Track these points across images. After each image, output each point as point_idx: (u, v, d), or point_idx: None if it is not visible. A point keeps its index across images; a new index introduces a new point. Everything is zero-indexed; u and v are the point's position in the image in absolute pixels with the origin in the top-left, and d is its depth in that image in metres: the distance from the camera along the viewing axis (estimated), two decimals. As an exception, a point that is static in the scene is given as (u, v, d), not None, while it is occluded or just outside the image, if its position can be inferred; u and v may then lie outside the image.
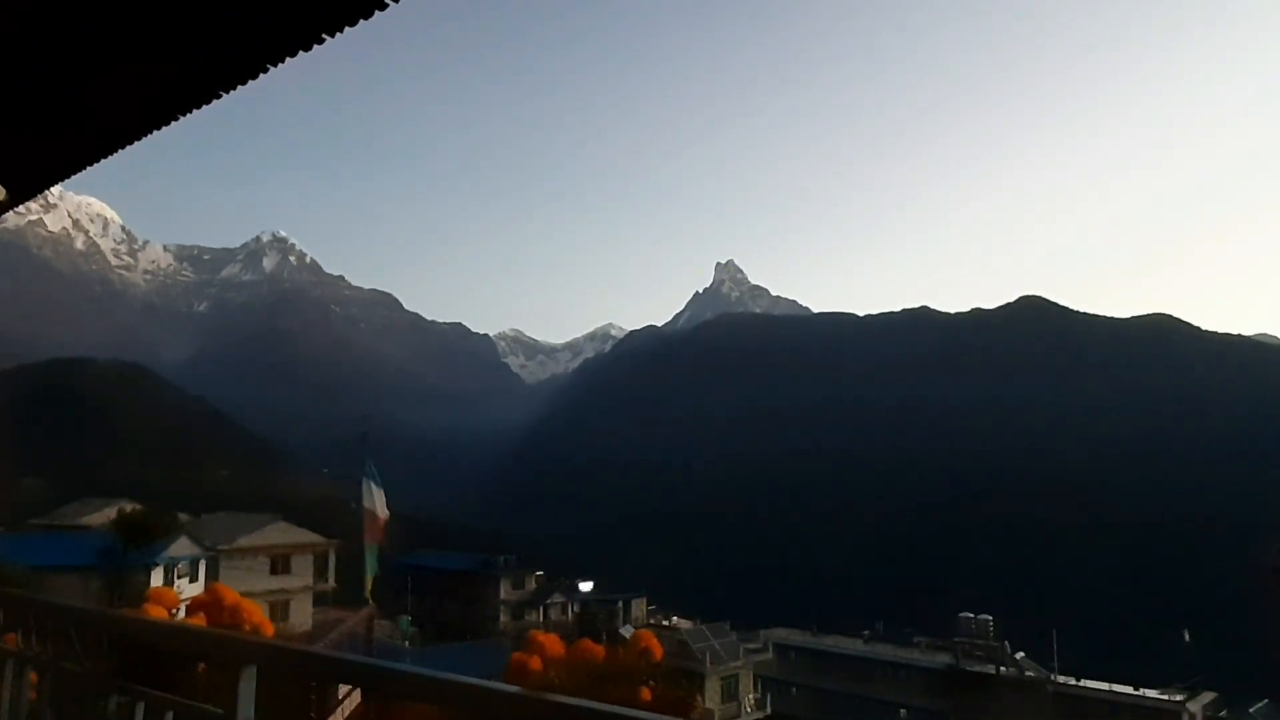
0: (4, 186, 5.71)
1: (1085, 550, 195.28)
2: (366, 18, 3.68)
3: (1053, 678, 63.29)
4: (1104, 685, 61.74)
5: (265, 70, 4.11)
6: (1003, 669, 64.78)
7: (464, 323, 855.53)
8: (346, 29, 3.80)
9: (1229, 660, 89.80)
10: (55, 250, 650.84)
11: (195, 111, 4.58)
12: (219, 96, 4.38)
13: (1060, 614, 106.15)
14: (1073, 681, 62.80)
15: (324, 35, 3.78)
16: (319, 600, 58.54)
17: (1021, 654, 66.73)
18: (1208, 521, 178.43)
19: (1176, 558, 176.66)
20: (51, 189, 7.06)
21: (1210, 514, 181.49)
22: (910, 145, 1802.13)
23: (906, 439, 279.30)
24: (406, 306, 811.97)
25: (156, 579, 43.74)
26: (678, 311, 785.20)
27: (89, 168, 5.46)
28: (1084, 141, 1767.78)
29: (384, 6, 3.56)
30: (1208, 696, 60.91)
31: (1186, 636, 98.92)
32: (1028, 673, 64.63)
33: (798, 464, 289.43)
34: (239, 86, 4.27)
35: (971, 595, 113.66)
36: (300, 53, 3.95)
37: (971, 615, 71.58)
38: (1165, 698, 59.12)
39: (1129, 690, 60.08)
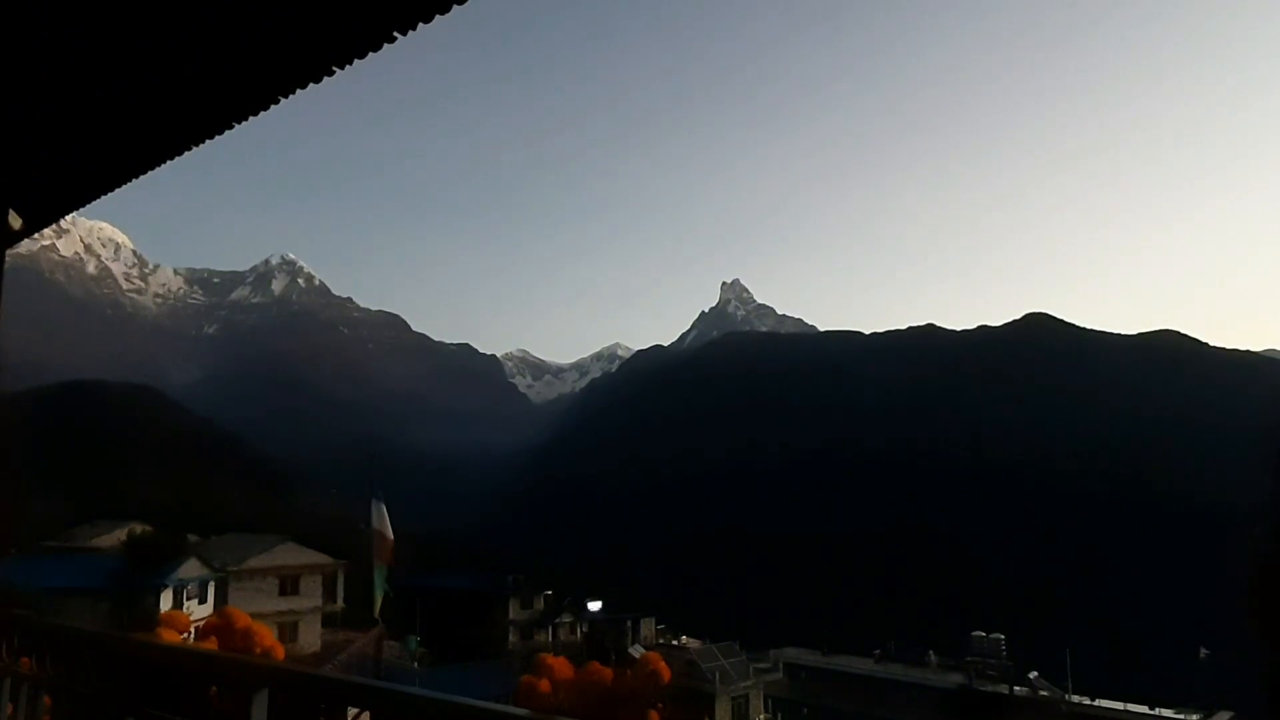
0: (20, 215, 5.82)
1: (1099, 566, 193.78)
2: (376, 50, 3.77)
3: (1067, 697, 62.63)
4: (1119, 704, 61.09)
5: (277, 101, 4.20)
6: (1016, 688, 64.13)
7: (471, 343, 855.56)
8: (356, 60, 3.89)
9: (1246, 678, 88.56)
10: (68, 275, 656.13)
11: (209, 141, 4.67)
12: (231, 127, 4.48)
13: (1074, 632, 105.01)
14: (1087, 701, 62.15)
15: (334, 67, 3.88)
16: (328, 621, 58.45)
17: (1035, 673, 66.00)
18: (1220, 537, 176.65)
19: (1191, 573, 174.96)
20: (65, 216, 7.14)
21: (1223, 530, 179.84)
22: (916, 163, 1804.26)
23: (914, 457, 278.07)
24: (414, 328, 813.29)
25: (166, 600, 43.78)
26: (684, 331, 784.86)
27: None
28: (1091, 158, 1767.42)
29: (393, 40, 3.65)
30: (1224, 716, 60.19)
31: (1202, 654, 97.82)
32: (1041, 692, 63.95)
33: (806, 482, 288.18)
34: (251, 117, 4.36)
35: (983, 613, 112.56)
36: (311, 84, 4.04)
37: (984, 634, 70.97)
38: (1181, 717, 58.46)
39: (1144, 710, 59.43)
